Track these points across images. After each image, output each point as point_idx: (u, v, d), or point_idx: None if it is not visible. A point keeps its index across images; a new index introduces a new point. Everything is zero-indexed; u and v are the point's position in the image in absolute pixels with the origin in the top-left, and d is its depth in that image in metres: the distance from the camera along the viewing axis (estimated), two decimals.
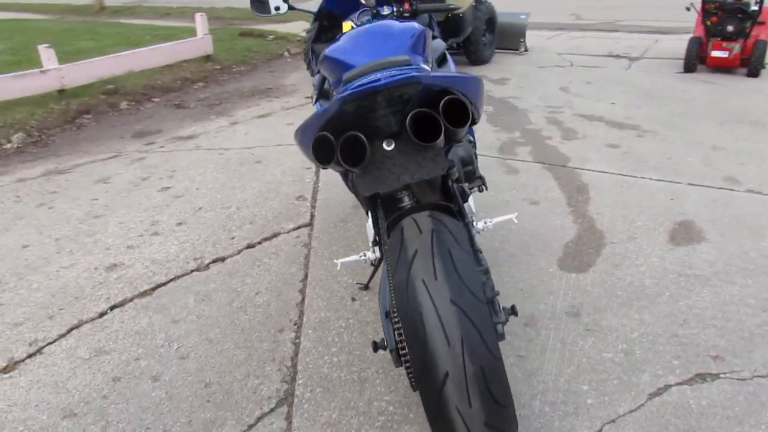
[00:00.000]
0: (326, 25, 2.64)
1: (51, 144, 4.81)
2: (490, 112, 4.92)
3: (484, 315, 1.36)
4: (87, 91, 5.90)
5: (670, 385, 1.88)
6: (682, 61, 6.00)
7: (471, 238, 1.80)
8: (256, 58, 7.55)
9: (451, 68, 2.55)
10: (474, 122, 1.58)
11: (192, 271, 2.70)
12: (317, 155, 1.28)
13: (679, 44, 6.63)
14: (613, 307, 2.29)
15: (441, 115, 1.19)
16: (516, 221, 2.01)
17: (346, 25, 2.41)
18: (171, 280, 2.63)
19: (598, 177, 3.49)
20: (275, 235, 2.99)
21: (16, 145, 4.74)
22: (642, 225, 2.90)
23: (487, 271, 1.64)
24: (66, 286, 2.62)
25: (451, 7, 2.59)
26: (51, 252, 2.93)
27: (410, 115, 1.16)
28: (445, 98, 1.19)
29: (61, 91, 5.65)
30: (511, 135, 4.32)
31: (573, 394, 1.87)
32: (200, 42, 7.08)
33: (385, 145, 1.29)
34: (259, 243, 2.92)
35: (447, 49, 2.49)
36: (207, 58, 7.20)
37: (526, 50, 7.31)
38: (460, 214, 1.83)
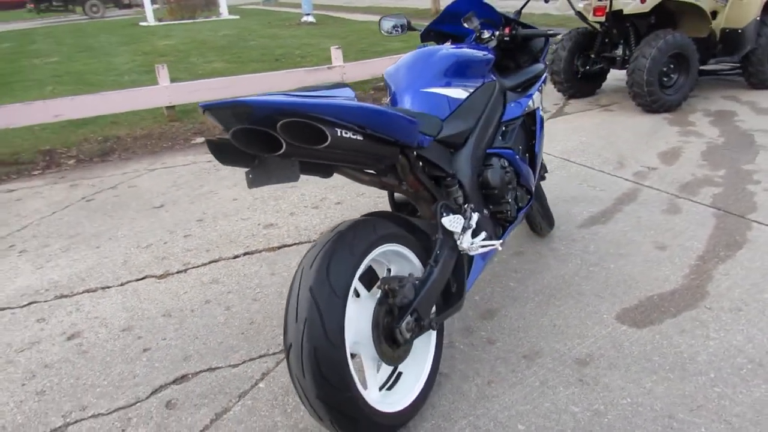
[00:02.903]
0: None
1: None
2: (715, 144, 4.30)
3: (333, 307, 1.59)
4: (362, 85, 7.02)
5: None
6: None
7: (434, 251, 1.93)
8: None
9: (533, 91, 2.56)
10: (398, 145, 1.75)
11: (314, 240, 3.30)
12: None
13: None
14: (633, 369, 2.08)
15: (279, 132, 1.46)
16: (500, 248, 2.04)
17: None
18: (295, 244, 3.27)
19: None
20: None
21: None
22: None
23: (401, 279, 1.80)
24: (231, 232, 3.49)
25: (550, 33, 2.58)
26: (244, 207, 3.87)
27: (234, 130, 1.47)
28: (283, 120, 1.45)
29: None
30: (712, 173, 3.77)
31: (504, 428, 1.87)
32: None
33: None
34: None
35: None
36: None
37: None
38: (428, 229, 2.00)
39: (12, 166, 5.19)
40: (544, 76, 2.66)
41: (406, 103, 2.16)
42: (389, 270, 1.97)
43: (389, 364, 1.84)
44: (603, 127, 4.95)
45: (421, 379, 1.94)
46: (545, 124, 2.82)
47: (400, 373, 1.97)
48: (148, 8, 18.32)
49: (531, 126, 2.61)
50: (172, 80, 6.25)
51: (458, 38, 2.71)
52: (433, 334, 2.02)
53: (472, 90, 2.25)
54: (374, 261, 1.98)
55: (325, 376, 1.58)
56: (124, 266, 3.17)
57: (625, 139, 4.61)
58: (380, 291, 1.81)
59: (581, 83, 5.89)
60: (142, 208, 4.01)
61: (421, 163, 1.98)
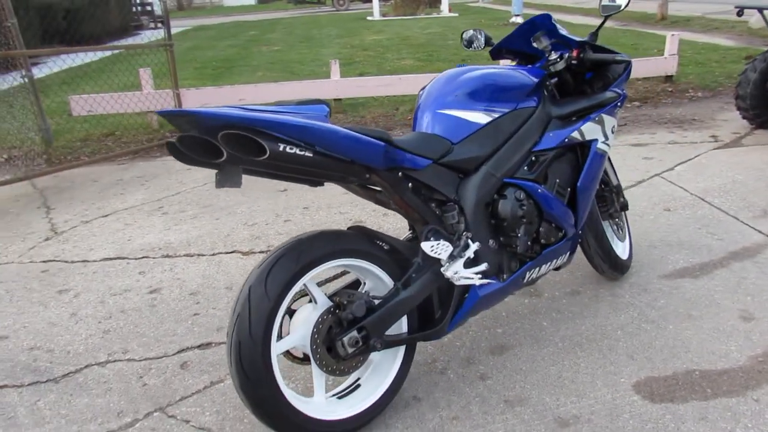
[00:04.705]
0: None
1: None
2: None
3: (262, 307, 1.71)
4: None
5: None
6: None
7: (408, 274, 1.94)
8: (725, 85, 6.78)
9: (583, 122, 2.33)
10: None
11: None
12: None
13: None
14: None
15: (220, 142, 1.58)
16: (477, 283, 1.96)
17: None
18: None
19: None
20: None
21: None
22: None
23: (352, 295, 1.84)
24: (323, 223, 3.75)
25: (619, 58, 2.31)
26: (348, 201, 4.10)
27: (179, 136, 1.61)
28: (223, 131, 1.57)
29: None
30: None
31: None
32: (662, 62, 6.88)
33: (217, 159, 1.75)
34: None
35: None
36: (667, 78, 6.94)
37: None
38: (408, 251, 2.00)
39: None
40: (610, 106, 2.40)
41: (423, 123, 2.16)
42: (364, 284, 2.03)
43: (328, 373, 1.89)
44: None
45: (374, 395, 1.97)
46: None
47: (359, 385, 2.02)
48: (376, 4, 19.65)
49: (586, 158, 2.38)
50: (361, 74, 6.75)
51: (530, 57, 2.58)
52: (401, 352, 2.03)
53: (497, 115, 2.15)
54: (357, 274, 2.06)
55: (245, 370, 1.71)
56: (225, 239, 3.62)
57: None
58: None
59: None
60: (270, 189, 4.47)
61: (410, 185, 1.97)
